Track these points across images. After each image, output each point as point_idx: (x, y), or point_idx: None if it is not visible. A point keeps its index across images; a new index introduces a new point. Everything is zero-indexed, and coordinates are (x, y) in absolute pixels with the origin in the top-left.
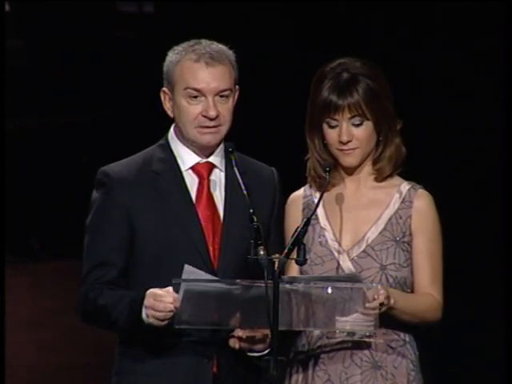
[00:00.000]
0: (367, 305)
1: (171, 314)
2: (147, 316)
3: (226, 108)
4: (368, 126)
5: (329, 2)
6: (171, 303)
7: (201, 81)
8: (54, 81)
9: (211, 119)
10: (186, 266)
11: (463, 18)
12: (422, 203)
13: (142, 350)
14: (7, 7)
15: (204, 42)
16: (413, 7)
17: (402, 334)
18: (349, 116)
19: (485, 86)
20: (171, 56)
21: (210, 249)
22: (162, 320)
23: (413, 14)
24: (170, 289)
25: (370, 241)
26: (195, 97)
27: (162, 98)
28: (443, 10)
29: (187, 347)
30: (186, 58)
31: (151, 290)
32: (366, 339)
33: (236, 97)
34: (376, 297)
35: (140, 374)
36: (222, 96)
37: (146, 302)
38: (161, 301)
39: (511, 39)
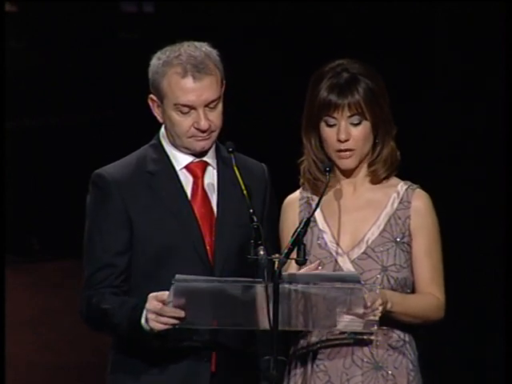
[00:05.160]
0: (366, 310)
1: (174, 319)
2: (146, 320)
3: (216, 115)
4: (366, 125)
5: (328, 3)
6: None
7: (190, 96)
8: (54, 81)
9: (203, 131)
10: (177, 276)
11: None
12: (420, 203)
13: (140, 350)
14: (12, 8)
15: (187, 46)
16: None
17: (401, 334)
18: (348, 114)
19: (485, 86)
20: (156, 66)
21: (207, 247)
22: (165, 324)
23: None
24: (167, 292)
25: (369, 242)
26: (186, 112)
27: (151, 104)
28: (444, 11)
29: (185, 347)
30: (171, 71)
31: (153, 293)
32: (366, 337)
33: (223, 91)
34: (375, 300)
35: (138, 373)
36: (211, 106)
37: (148, 305)
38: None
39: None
